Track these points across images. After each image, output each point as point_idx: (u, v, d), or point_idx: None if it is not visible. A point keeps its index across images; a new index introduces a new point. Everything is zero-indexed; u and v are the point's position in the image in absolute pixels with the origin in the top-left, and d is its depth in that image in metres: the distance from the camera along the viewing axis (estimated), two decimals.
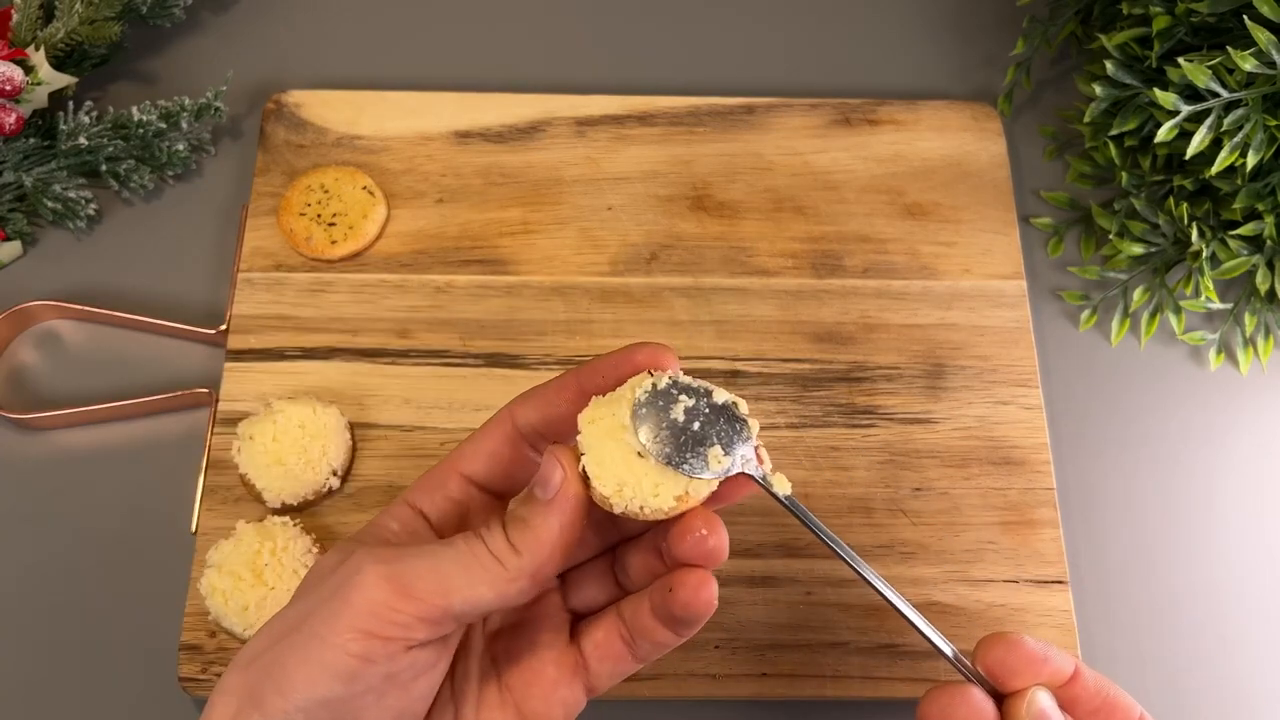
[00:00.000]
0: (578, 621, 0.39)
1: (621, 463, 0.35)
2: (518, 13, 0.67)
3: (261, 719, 0.32)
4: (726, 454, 0.36)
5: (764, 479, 0.37)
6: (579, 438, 0.36)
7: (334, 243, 0.56)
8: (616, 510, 0.35)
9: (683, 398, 0.36)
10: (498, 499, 0.39)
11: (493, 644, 0.39)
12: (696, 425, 0.36)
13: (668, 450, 0.36)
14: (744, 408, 0.37)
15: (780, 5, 0.68)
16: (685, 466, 0.36)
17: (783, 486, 0.37)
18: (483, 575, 0.34)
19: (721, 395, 0.37)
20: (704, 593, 0.35)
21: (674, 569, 0.36)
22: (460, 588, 0.33)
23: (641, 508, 0.35)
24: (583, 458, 0.35)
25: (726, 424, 0.37)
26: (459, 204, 0.58)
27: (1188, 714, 0.51)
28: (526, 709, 0.37)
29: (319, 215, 0.56)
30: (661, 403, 0.36)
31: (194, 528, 0.51)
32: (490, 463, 0.38)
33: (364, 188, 0.57)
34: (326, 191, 0.57)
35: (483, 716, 0.37)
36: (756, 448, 0.37)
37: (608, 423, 0.35)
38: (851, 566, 0.39)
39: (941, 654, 0.39)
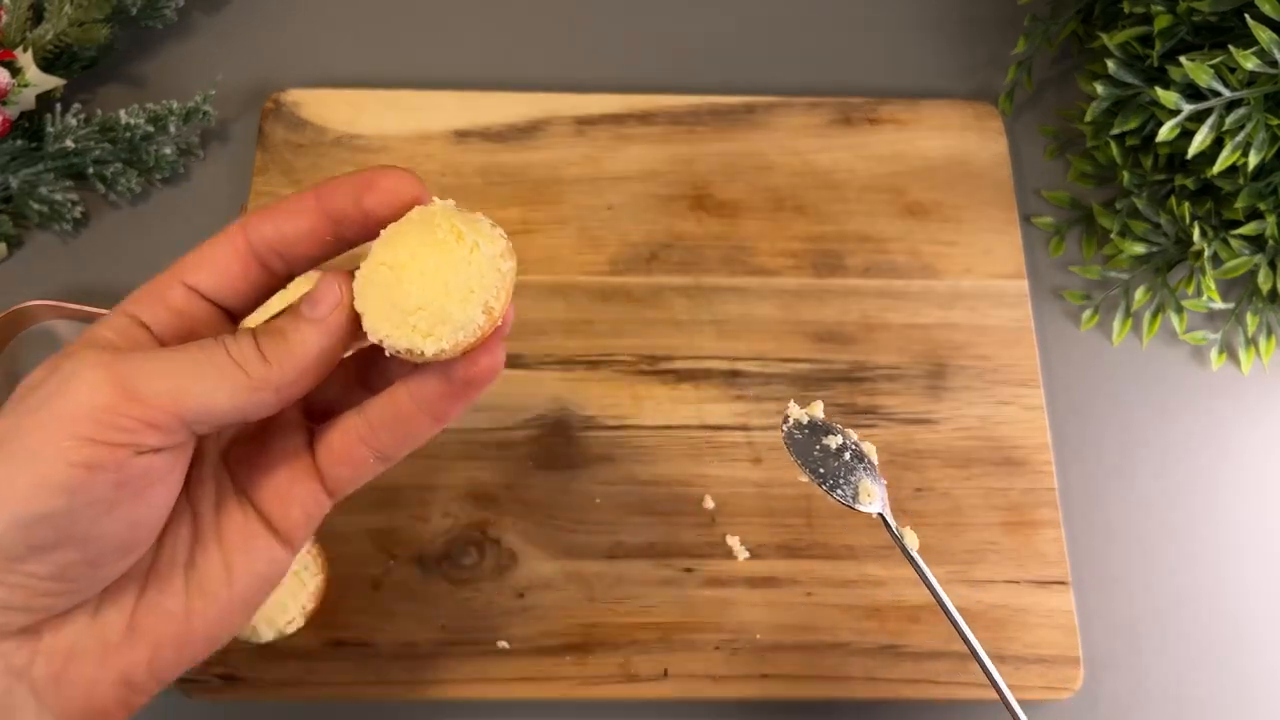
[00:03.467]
0: (318, 421, 0.37)
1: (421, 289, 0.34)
2: (517, 11, 0.66)
3: None
4: (875, 492, 0.41)
5: (897, 530, 0.41)
6: (356, 289, 0.34)
7: None
8: (398, 346, 0.34)
9: (833, 435, 0.42)
10: (227, 317, 0.36)
11: (226, 450, 0.36)
12: (847, 456, 0.42)
13: (821, 470, 0.41)
14: (876, 458, 0.42)
15: (781, 5, 0.67)
16: (838, 492, 0.41)
17: (913, 541, 0.41)
18: (220, 381, 0.32)
19: (866, 444, 0.42)
20: (498, 357, 0.35)
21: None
22: (194, 393, 0.31)
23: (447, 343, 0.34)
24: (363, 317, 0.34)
25: (868, 467, 0.42)
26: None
27: (1190, 714, 0.51)
28: (265, 511, 0.36)
29: None
30: (812, 433, 0.42)
31: None
32: (217, 275, 0.35)
33: None
34: None
35: (223, 521, 0.35)
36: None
37: (384, 274, 0.34)
38: (959, 630, 0.42)
39: None
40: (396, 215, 0.35)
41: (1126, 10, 0.56)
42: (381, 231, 0.35)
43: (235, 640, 0.48)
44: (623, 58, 0.65)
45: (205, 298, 0.35)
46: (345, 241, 0.36)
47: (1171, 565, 0.54)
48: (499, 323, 0.35)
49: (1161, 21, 0.53)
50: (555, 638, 0.49)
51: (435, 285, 0.34)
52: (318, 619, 0.49)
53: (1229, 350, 0.58)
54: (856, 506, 0.41)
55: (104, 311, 0.55)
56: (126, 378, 0.30)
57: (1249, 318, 0.57)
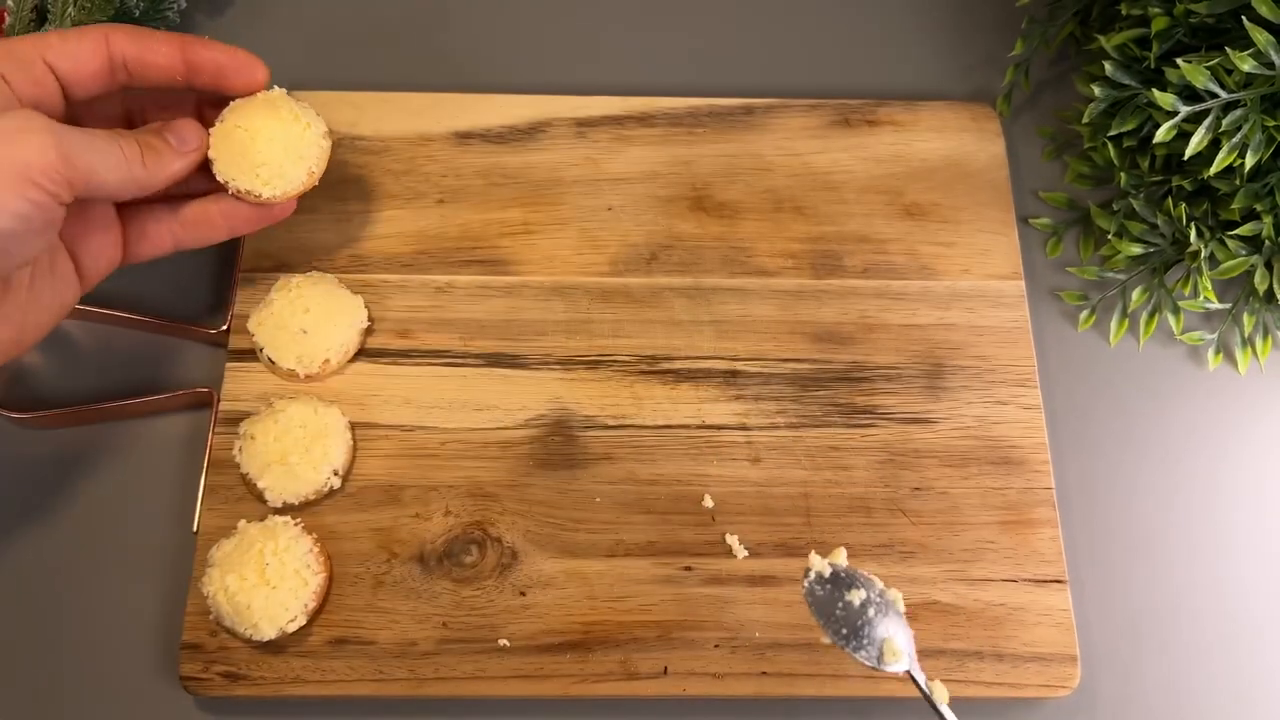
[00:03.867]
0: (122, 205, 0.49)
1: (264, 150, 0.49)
2: (518, 14, 0.67)
3: None
4: (901, 649, 0.40)
5: (926, 687, 0.40)
6: (212, 141, 0.48)
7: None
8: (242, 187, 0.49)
9: (857, 589, 0.41)
10: (67, 100, 0.46)
11: None
12: (871, 612, 0.41)
13: (844, 631, 0.40)
14: (902, 605, 0.41)
15: (780, 6, 0.68)
16: (861, 654, 0.40)
17: (942, 695, 0.41)
18: (116, 169, 0.44)
19: (891, 592, 0.41)
20: (294, 205, 0.50)
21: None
22: (102, 171, 0.43)
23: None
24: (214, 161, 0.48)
25: (895, 618, 0.41)
26: (460, 204, 0.59)
27: (1188, 712, 0.52)
28: (80, 260, 0.48)
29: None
30: (834, 587, 0.41)
31: (195, 527, 0.51)
32: (75, 65, 0.45)
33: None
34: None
35: (56, 261, 0.47)
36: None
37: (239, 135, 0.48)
38: None
39: None
40: (241, 88, 0.49)
41: (1124, 12, 0.56)
42: (232, 102, 0.49)
43: (238, 638, 0.48)
44: (622, 60, 0.65)
45: (57, 77, 0.45)
46: (186, 85, 0.48)
47: (1169, 564, 0.54)
48: (315, 183, 0.51)
49: (1159, 23, 0.53)
50: (556, 635, 0.50)
51: (277, 149, 0.49)
52: (319, 617, 0.49)
53: (1226, 350, 0.58)
54: (882, 668, 0.40)
55: (109, 312, 0.55)
56: (66, 146, 0.41)
57: (1245, 318, 0.58)
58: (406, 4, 0.67)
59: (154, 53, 0.46)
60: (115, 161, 0.44)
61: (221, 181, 0.49)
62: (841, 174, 0.60)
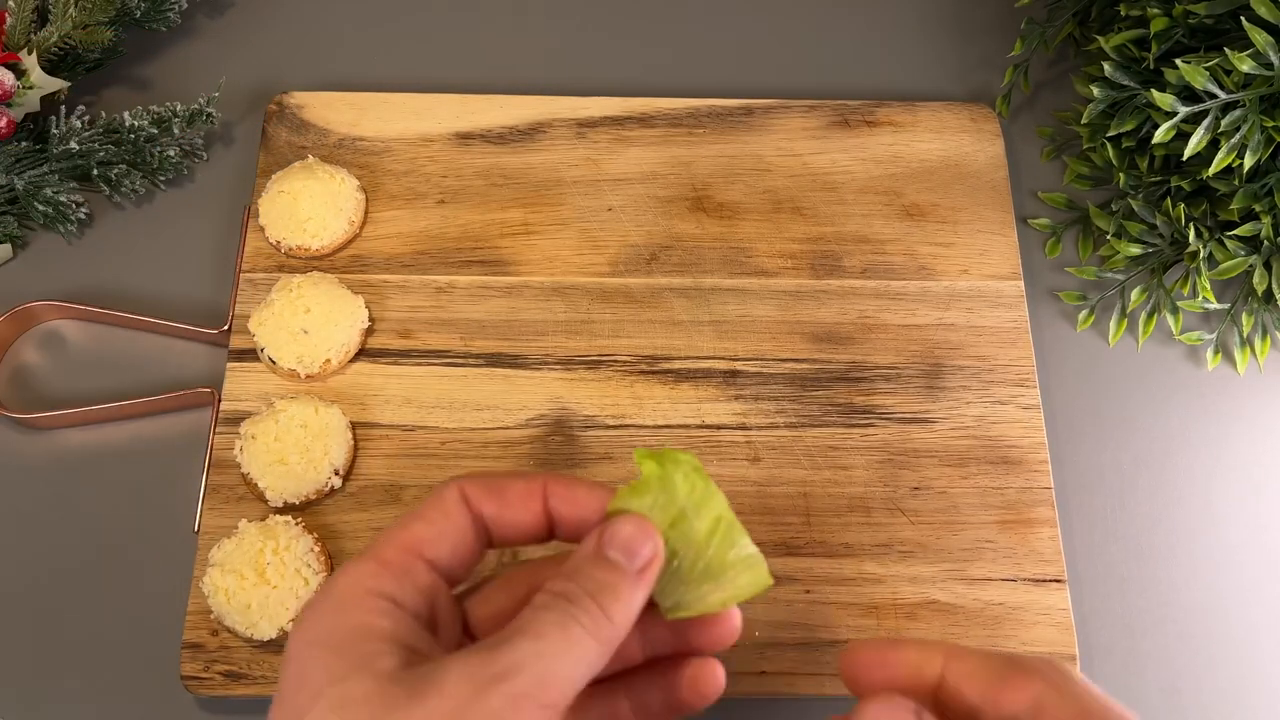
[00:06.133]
0: None
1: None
2: (518, 15, 0.67)
3: None
4: None
5: None
6: (261, 209, 0.55)
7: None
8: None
9: None
10: (448, 583, 0.36)
11: None
12: None
13: None
14: None
15: (779, 7, 0.68)
16: None
17: None
18: (584, 655, 0.31)
19: None
20: (718, 681, 0.37)
21: (687, 655, 0.37)
22: (563, 675, 0.31)
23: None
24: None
25: None
26: (460, 205, 0.59)
27: (1186, 711, 0.52)
28: None
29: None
30: None
31: (196, 527, 0.51)
32: (453, 553, 0.35)
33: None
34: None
35: None
36: None
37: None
38: None
39: None
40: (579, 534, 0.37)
41: (1123, 13, 0.56)
42: (272, 176, 0.56)
43: (238, 638, 0.48)
44: (622, 61, 0.66)
45: (439, 571, 0.35)
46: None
47: (1168, 563, 0.54)
48: (357, 232, 0.57)
49: (1158, 24, 0.53)
50: None
51: (319, 205, 0.55)
52: None
53: (1224, 350, 0.58)
54: None
55: (110, 313, 0.55)
56: (511, 688, 0.30)
57: (1244, 318, 0.58)
58: (406, 5, 0.67)
59: (515, 510, 0.36)
60: (573, 645, 0.31)
61: (274, 243, 0.55)
62: (841, 174, 0.60)
